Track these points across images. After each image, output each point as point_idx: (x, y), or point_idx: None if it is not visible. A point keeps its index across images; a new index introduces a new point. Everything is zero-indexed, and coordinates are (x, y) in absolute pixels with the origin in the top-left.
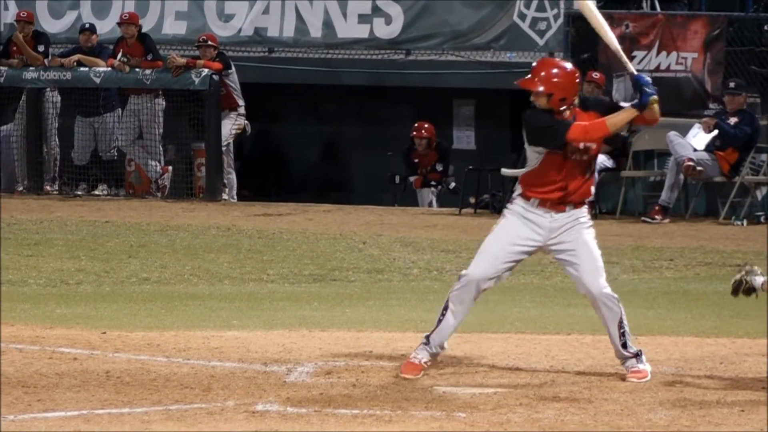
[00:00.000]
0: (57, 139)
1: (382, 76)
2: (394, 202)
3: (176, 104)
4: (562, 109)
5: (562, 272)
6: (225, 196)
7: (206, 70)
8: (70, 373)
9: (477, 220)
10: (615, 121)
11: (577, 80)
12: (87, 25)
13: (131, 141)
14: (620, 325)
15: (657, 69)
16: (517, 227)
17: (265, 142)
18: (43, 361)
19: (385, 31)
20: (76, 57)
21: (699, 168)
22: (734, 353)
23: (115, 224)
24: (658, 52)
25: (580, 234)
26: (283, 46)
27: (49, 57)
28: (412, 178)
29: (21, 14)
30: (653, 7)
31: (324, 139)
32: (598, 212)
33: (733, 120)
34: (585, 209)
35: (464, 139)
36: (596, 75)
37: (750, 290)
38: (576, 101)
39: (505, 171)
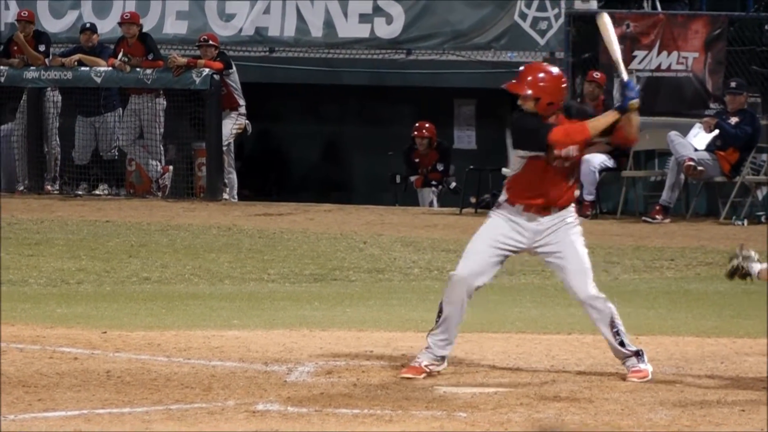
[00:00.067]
0: (58, 139)
1: (383, 76)
2: (394, 202)
3: (177, 104)
4: (548, 113)
5: None
6: (226, 196)
7: (207, 70)
8: (71, 373)
9: (478, 219)
10: (596, 124)
11: (564, 86)
12: (88, 25)
13: (132, 141)
14: (612, 325)
15: (658, 69)
16: (502, 227)
17: (265, 142)
18: (44, 360)
19: (386, 30)
20: (76, 57)
21: (700, 168)
22: (735, 353)
23: (115, 224)
24: (659, 52)
25: (566, 236)
26: (283, 46)
27: (50, 57)
28: (412, 178)
29: (22, 14)
30: (654, 7)
31: (325, 138)
32: (598, 212)
33: (733, 120)
34: (571, 209)
35: (465, 138)
36: (597, 75)
37: (746, 275)
38: (562, 107)
39: (505, 171)
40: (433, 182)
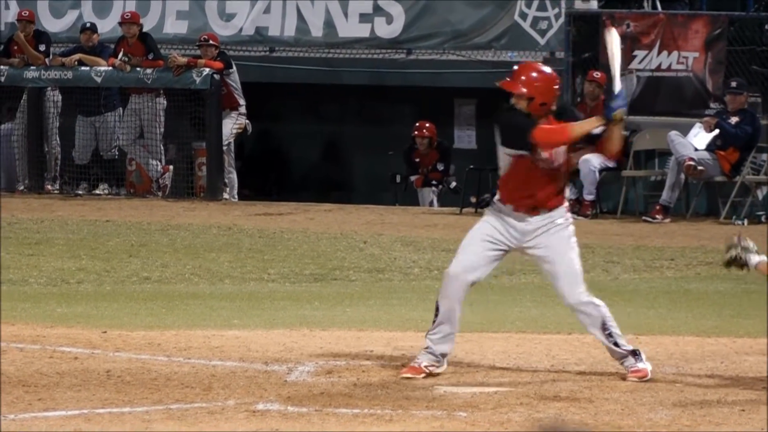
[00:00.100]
0: (58, 139)
1: (383, 76)
2: (395, 202)
3: (177, 103)
4: (540, 114)
5: None
6: (226, 196)
7: (207, 70)
8: (71, 372)
9: (478, 219)
10: (578, 126)
11: (557, 86)
12: (88, 25)
13: (132, 140)
14: (604, 327)
15: (658, 68)
16: (494, 224)
17: (266, 142)
18: (44, 360)
19: (386, 30)
20: (77, 56)
21: (700, 167)
22: (735, 353)
23: (115, 223)
24: (659, 52)
25: (555, 239)
26: (284, 46)
27: (50, 56)
28: (413, 178)
29: (22, 13)
30: (654, 7)
31: (325, 138)
32: (598, 212)
33: (734, 119)
34: (563, 210)
35: (465, 138)
36: (597, 74)
37: (743, 265)
38: (554, 108)
39: None
40: (434, 182)
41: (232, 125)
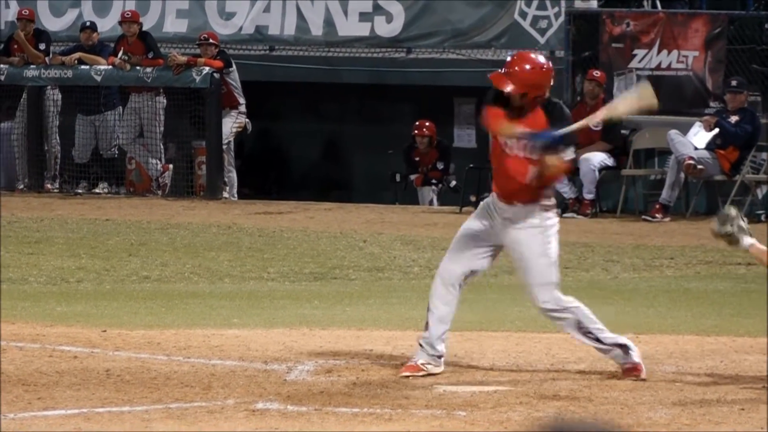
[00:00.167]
0: (58, 137)
1: (383, 75)
2: (394, 201)
3: (177, 102)
4: (535, 105)
5: (562, 270)
6: (226, 195)
7: (207, 69)
8: (71, 372)
9: None
10: (507, 127)
11: (549, 77)
12: (88, 23)
13: (132, 139)
14: (580, 327)
15: (658, 67)
16: (479, 212)
17: (265, 141)
18: (44, 359)
19: (386, 29)
20: (77, 55)
21: (700, 166)
22: (735, 351)
23: (115, 222)
24: (659, 51)
25: (525, 237)
26: (283, 44)
27: (50, 55)
28: (412, 177)
29: (22, 12)
30: (654, 6)
31: (325, 137)
32: (598, 210)
33: (733, 118)
34: (542, 210)
35: (465, 137)
36: (597, 73)
37: (734, 242)
38: (547, 95)
39: None
40: (433, 181)
41: (231, 124)
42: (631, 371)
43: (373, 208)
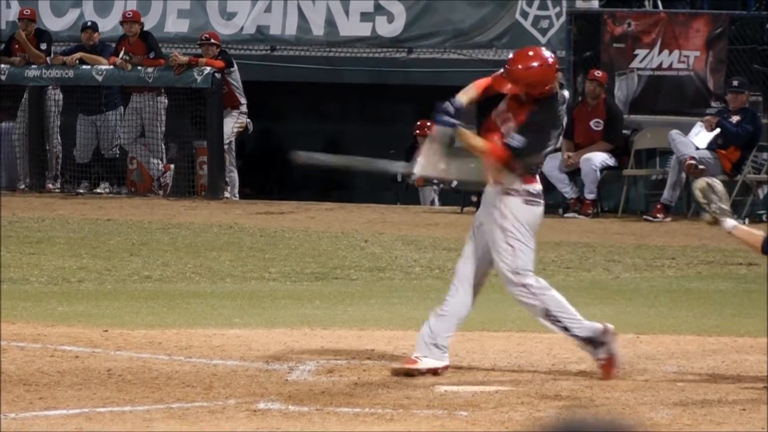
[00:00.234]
0: (59, 137)
1: (384, 75)
2: (396, 201)
3: (178, 102)
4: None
5: (563, 270)
6: (227, 195)
7: (208, 68)
8: (72, 371)
9: None
10: (467, 135)
11: (552, 72)
12: (89, 23)
13: (133, 139)
14: (548, 315)
15: (659, 67)
16: (479, 210)
17: (267, 140)
18: (45, 359)
19: (387, 29)
20: (78, 55)
21: (701, 166)
22: (736, 352)
23: (117, 222)
24: (660, 51)
25: (492, 220)
26: (285, 44)
27: (52, 55)
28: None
29: (24, 12)
30: (655, 6)
31: (326, 137)
32: (599, 210)
33: (735, 118)
34: (511, 195)
35: None
36: (598, 73)
37: (714, 223)
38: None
39: None
40: (435, 181)
41: (233, 124)
42: (605, 369)
43: (375, 208)
